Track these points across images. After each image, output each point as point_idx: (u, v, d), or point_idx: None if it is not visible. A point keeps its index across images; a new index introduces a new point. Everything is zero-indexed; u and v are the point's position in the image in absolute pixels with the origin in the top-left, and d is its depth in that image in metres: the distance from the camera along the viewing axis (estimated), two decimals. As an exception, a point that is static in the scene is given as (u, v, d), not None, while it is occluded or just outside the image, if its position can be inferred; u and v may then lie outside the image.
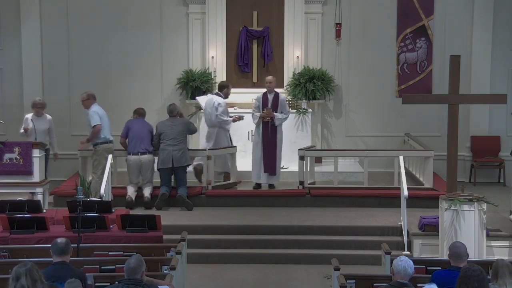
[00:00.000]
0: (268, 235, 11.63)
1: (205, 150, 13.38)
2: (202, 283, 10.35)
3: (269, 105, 13.06)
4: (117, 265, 7.98)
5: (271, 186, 13.23)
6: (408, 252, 10.89)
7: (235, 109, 14.26)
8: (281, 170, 13.37)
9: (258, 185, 13.23)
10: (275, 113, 13.02)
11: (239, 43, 14.93)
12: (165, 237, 9.77)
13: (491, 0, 15.04)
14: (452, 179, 10.82)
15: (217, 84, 14.14)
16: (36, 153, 11.89)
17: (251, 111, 13.32)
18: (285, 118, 13.24)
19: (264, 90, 13.30)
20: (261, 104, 13.11)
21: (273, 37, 14.98)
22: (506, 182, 14.76)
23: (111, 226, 9.75)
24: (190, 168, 13.10)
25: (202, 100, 14.42)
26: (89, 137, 12.68)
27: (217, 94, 13.75)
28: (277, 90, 13.60)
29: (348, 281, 7.65)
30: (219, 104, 13.49)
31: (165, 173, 12.82)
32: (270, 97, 13.13)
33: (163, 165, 12.78)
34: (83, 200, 9.10)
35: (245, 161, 13.75)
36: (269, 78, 13.33)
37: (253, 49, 14.99)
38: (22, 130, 12.72)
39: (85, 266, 7.89)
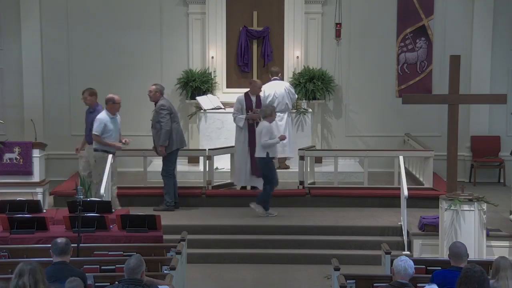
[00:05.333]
0: (268, 235, 11.63)
1: (204, 150, 13.38)
2: (202, 283, 10.35)
3: (254, 106, 12.94)
4: (117, 265, 7.98)
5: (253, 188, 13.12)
6: (408, 252, 10.89)
7: (233, 110, 14.24)
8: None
9: (242, 187, 13.21)
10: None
11: (239, 43, 14.93)
12: (165, 237, 9.77)
13: (491, 0, 15.05)
14: (452, 179, 10.83)
15: (274, 71, 14.16)
16: (36, 153, 11.89)
17: (233, 113, 13.19)
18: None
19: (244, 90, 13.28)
20: (245, 106, 13.02)
21: (273, 37, 14.98)
22: (506, 182, 14.77)
23: (111, 226, 9.75)
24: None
25: (202, 100, 14.43)
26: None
27: (275, 79, 13.98)
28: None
29: (348, 281, 7.64)
30: (290, 86, 14.09)
31: (176, 156, 12.62)
32: (254, 99, 13.03)
33: (181, 145, 12.58)
34: (83, 200, 9.10)
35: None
36: (260, 84, 13.22)
37: (253, 49, 14.99)
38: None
39: (85, 266, 7.90)
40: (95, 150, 11.99)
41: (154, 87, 12.60)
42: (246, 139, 12.95)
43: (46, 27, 15.25)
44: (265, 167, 12.11)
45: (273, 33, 14.97)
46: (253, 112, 12.89)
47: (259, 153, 12.08)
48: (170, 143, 12.37)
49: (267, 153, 12.00)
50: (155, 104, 12.44)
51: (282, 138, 12.30)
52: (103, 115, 11.96)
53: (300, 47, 14.85)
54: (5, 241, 9.30)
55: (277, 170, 14.02)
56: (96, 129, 11.85)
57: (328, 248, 11.23)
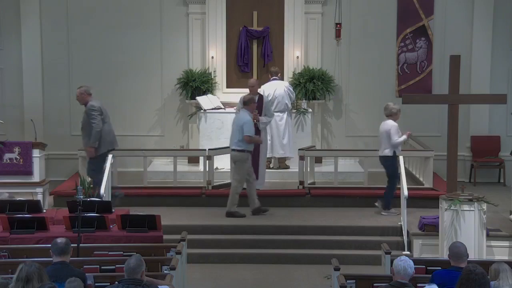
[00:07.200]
0: (268, 235, 11.63)
1: (204, 150, 13.38)
2: (202, 283, 10.35)
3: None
4: (117, 265, 7.98)
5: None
6: (408, 252, 10.89)
7: (235, 109, 14.24)
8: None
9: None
10: (260, 117, 12.90)
11: (239, 43, 14.93)
12: (165, 237, 9.77)
13: (491, 0, 15.04)
14: (452, 179, 10.82)
15: (273, 71, 14.13)
16: (36, 153, 11.88)
17: (235, 113, 13.14)
18: (269, 121, 13.22)
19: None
20: None
21: (273, 37, 14.98)
22: (506, 182, 14.76)
23: (111, 226, 9.75)
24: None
25: (202, 100, 14.43)
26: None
27: (274, 79, 13.95)
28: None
29: (348, 281, 7.65)
30: (290, 86, 14.06)
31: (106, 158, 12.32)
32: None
33: (112, 146, 12.36)
34: (83, 200, 9.10)
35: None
36: (252, 82, 13.15)
37: (253, 49, 14.98)
38: None
39: (85, 266, 7.90)
40: (241, 151, 12.05)
41: (79, 90, 12.36)
42: None
43: (46, 27, 15.24)
44: (390, 166, 12.15)
45: (273, 33, 14.97)
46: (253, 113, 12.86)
47: (385, 152, 12.11)
48: (100, 144, 12.18)
49: (394, 152, 12.06)
50: (85, 106, 12.25)
51: (409, 135, 12.33)
52: (247, 116, 12.11)
53: (300, 47, 14.84)
54: (5, 241, 9.30)
55: (277, 170, 14.10)
56: (249, 131, 12.03)
57: (328, 248, 11.23)
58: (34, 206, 10.51)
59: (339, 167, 13.33)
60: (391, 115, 12.14)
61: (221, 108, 14.42)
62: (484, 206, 10.04)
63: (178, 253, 8.58)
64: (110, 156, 12.43)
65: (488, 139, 15.16)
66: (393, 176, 12.15)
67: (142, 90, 15.32)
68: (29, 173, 11.86)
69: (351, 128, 15.47)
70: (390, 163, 12.15)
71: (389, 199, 12.25)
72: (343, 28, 14.80)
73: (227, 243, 11.47)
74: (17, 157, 11.81)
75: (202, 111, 14.33)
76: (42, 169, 12.11)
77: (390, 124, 12.09)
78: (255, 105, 12.49)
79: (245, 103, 12.28)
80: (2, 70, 15.34)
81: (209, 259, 11.21)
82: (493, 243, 10.64)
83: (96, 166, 12.23)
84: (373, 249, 11.07)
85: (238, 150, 12.07)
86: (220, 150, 13.44)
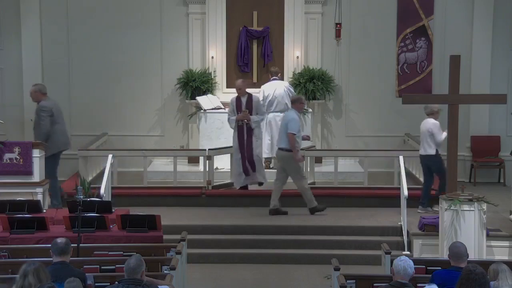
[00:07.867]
0: (268, 235, 11.63)
1: (204, 150, 13.38)
2: (202, 283, 10.35)
3: (243, 108, 12.91)
4: (117, 265, 7.99)
5: (259, 184, 13.12)
6: (408, 252, 10.89)
7: (227, 111, 14.22)
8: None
9: (244, 187, 13.17)
10: (250, 116, 12.86)
11: (239, 43, 14.93)
12: (165, 237, 9.77)
13: (491, 0, 15.04)
14: (452, 179, 10.81)
15: (273, 71, 14.00)
16: (36, 153, 11.87)
17: (228, 114, 13.18)
18: (262, 120, 13.18)
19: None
20: (235, 107, 13.01)
21: (273, 37, 14.98)
22: (506, 182, 14.76)
23: (111, 226, 9.75)
24: None
25: (202, 100, 14.43)
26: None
27: (274, 79, 13.89)
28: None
29: (348, 281, 7.65)
30: (289, 86, 13.93)
31: (58, 159, 12.30)
32: (244, 100, 12.96)
33: (65, 146, 12.34)
34: (83, 200, 9.10)
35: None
36: (239, 83, 13.09)
37: (253, 49, 14.98)
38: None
39: (85, 266, 7.90)
40: (286, 150, 12.04)
41: (33, 88, 12.36)
42: (236, 140, 12.95)
43: (46, 27, 15.24)
44: (436, 164, 12.14)
45: (273, 33, 14.97)
46: (243, 112, 12.85)
47: (427, 151, 12.10)
48: (53, 145, 12.16)
49: (437, 150, 12.09)
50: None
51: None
52: (295, 115, 12.06)
53: (300, 47, 14.84)
54: (5, 241, 9.30)
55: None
56: (294, 128, 11.93)
57: (328, 248, 11.24)
58: (34, 206, 10.51)
59: (339, 167, 13.34)
60: (432, 113, 12.15)
61: (221, 108, 14.42)
62: (484, 206, 10.04)
63: (178, 253, 8.58)
64: (110, 156, 12.43)
65: (488, 139, 15.16)
66: (440, 172, 12.10)
67: (142, 90, 15.32)
68: (29, 173, 11.83)
69: (351, 128, 15.47)
70: (434, 161, 12.14)
71: (425, 198, 12.23)
72: (343, 28, 14.80)
73: (227, 243, 11.47)
74: (17, 157, 11.79)
75: (202, 111, 14.33)
76: (42, 169, 12.09)
77: (431, 122, 12.11)
78: (303, 105, 12.47)
79: (293, 102, 12.30)
80: (2, 70, 15.34)
81: (209, 259, 11.21)
82: (493, 243, 10.65)
83: (48, 168, 12.16)
84: (373, 249, 11.07)
85: (284, 150, 12.08)
86: (220, 150, 13.45)
